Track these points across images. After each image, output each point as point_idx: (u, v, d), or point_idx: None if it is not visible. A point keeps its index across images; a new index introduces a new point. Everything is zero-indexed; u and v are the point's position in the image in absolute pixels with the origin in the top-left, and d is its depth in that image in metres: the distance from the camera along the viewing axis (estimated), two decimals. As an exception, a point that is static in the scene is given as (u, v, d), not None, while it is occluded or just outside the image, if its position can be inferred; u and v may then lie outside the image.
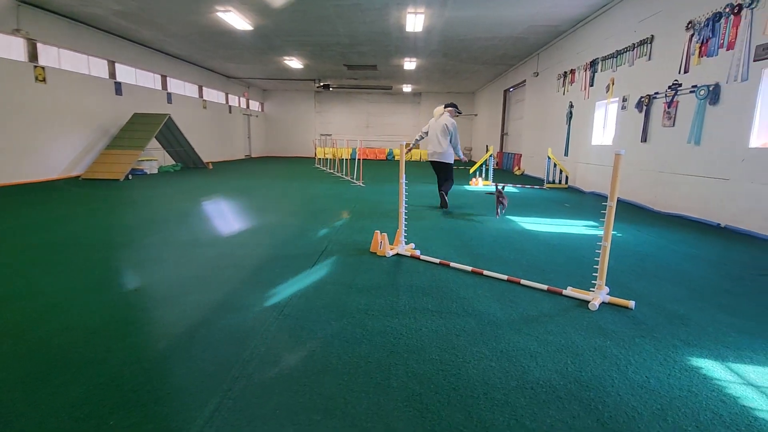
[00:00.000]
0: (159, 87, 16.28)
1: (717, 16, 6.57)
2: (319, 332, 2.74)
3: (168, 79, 17.00)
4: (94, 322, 2.80)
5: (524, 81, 16.82)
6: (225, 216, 6.26)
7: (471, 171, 12.30)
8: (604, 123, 10.58)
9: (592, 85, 10.84)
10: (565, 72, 12.45)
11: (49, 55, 10.74)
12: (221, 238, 4.81)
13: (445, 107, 6.88)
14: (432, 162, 6.94)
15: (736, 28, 6.21)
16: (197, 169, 15.60)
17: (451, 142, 6.77)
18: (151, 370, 2.34)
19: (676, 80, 7.47)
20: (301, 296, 3.25)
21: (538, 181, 13.25)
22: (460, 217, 6.81)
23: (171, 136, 15.13)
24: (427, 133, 7.05)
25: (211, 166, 16.47)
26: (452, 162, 6.76)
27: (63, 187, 9.22)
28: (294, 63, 17.66)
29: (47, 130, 10.74)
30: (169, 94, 16.66)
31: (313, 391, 2.25)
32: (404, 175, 4.38)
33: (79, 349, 2.51)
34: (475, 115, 27.71)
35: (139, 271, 3.58)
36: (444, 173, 6.98)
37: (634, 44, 8.87)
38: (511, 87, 19.05)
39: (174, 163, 16.05)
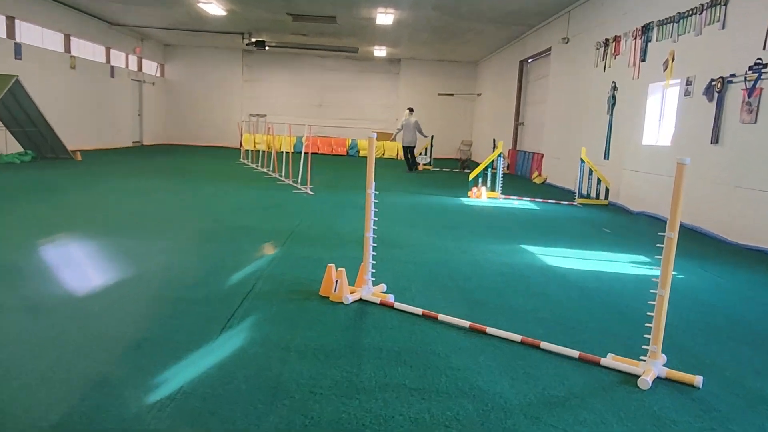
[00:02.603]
0: (2, 34, 15.84)
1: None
2: (239, 424, 2.65)
3: (16, 22, 16.45)
4: None
5: (548, 50, 17.42)
6: (92, 245, 6.11)
7: (471, 176, 12.52)
8: (661, 114, 11.04)
9: (644, 59, 11.26)
10: (607, 40, 12.94)
11: None
12: (83, 290, 4.44)
13: (410, 111, 17.84)
14: (406, 147, 18.32)
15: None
16: (58, 161, 15.23)
17: (419, 131, 17.94)
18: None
19: (759, 59, 7.69)
20: (212, 369, 3.10)
21: (567, 195, 13.65)
22: (452, 242, 6.91)
23: (18, 109, 14.64)
24: (402, 127, 16.77)
25: (79, 157, 16.09)
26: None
27: None
28: (212, 7, 17.49)
29: None
30: (17, 45, 16.10)
31: None
32: (373, 182, 4.39)
33: None
34: (478, 94, 28.43)
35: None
36: (412, 153, 18.54)
37: (702, 5, 9.25)
38: (530, 57, 19.69)
39: (22, 150, 15.57)
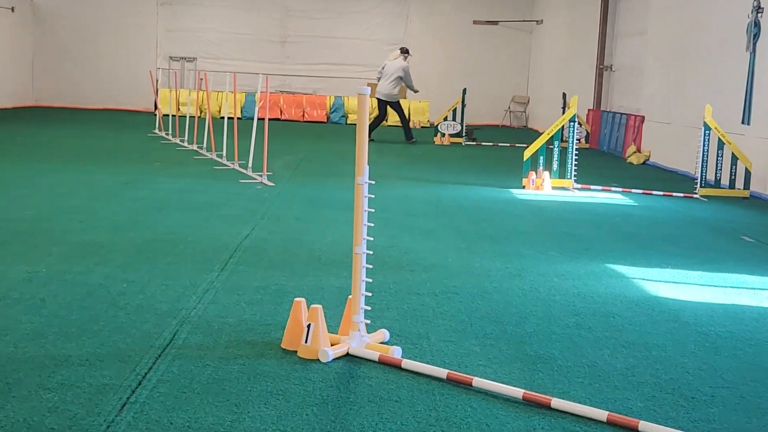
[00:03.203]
0: None
1: None
2: None
3: None
4: None
5: (650, -51, 17.40)
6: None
7: (526, 156, 12.48)
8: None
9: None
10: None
11: None
12: None
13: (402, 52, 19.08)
14: (382, 102, 19.03)
15: None
16: None
17: (405, 82, 19.12)
18: None
19: None
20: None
21: (682, 182, 13.59)
22: (497, 261, 6.90)
23: None
24: (381, 74, 18.88)
25: None
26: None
27: None
28: None
29: None
30: None
31: None
32: (366, 165, 4.34)
33: None
34: (537, 22, 28.40)
35: None
36: (398, 111, 19.47)
37: None
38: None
39: None
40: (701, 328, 5.25)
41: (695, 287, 6.37)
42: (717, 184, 12.15)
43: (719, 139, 11.99)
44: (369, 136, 18.56)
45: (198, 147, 15.35)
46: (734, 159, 11.99)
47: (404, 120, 19.69)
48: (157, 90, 22.52)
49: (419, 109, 27.00)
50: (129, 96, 28.17)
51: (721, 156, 12.12)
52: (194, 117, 16.28)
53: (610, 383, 4.18)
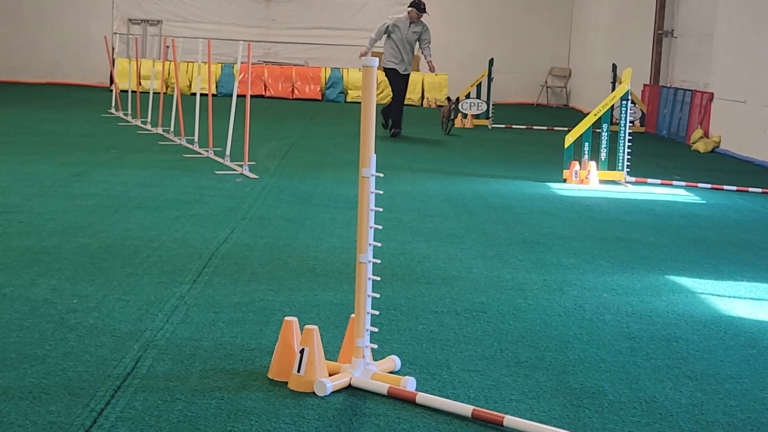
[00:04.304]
0: None
1: None
2: None
3: None
4: None
5: None
6: None
7: (568, 143, 12.47)
8: None
9: None
10: None
11: None
12: None
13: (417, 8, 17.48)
14: (398, 73, 17.62)
15: None
16: None
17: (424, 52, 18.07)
18: None
19: None
20: None
21: (760, 174, 13.52)
22: (532, 272, 6.91)
23: None
24: (387, 32, 17.68)
25: None
26: None
27: None
28: None
29: None
30: None
31: None
32: (373, 154, 4.32)
33: None
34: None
35: None
36: (406, 88, 18.17)
37: None
38: None
39: None
40: (786, 355, 5.24)
41: (777, 305, 6.37)
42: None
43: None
44: (396, 127, 17.49)
45: (164, 130, 15.39)
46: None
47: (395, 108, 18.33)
48: (113, 60, 22.57)
49: (435, 84, 27.00)
50: (78, 67, 28.18)
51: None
52: (159, 94, 16.26)
53: (674, 423, 4.16)
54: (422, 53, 18.12)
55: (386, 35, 17.61)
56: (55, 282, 6.09)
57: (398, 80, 17.64)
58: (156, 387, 4.31)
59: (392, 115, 17.83)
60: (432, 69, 17.95)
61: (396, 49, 17.55)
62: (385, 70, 17.66)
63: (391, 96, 18.13)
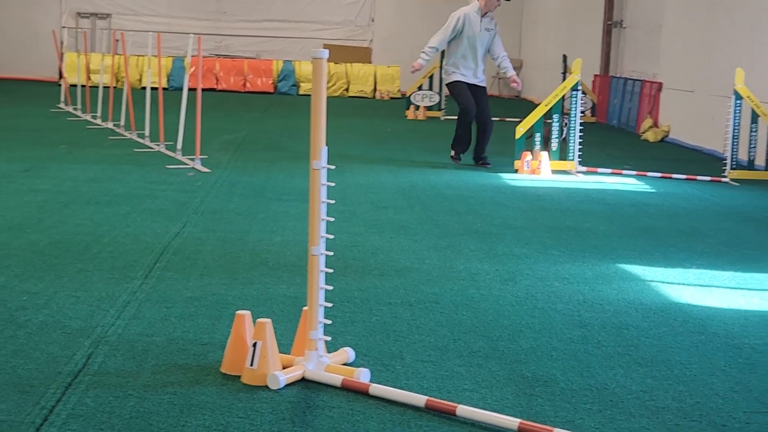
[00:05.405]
0: None
1: None
2: None
3: None
4: None
5: None
6: None
7: (519, 134, 12.46)
8: None
9: None
10: None
11: None
12: None
13: None
14: (474, 86, 13.01)
15: None
16: None
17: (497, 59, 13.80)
18: None
19: None
20: None
21: (709, 163, 13.63)
22: (485, 262, 6.92)
23: None
24: (453, 38, 13.27)
25: None
26: None
27: None
28: None
29: None
30: None
31: None
32: (324, 146, 4.31)
33: None
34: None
35: None
36: (486, 100, 13.26)
37: None
38: None
39: None
40: (733, 340, 5.28)
41: (725, 291, 6.41)
42: (750, 165, 12.26)
43: (753, 110, 12.07)
44: (482, 154, 12.92)
45: (114, 125, 15.26)
46: (770, 133, 12.11)
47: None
48: (61, 54, 22.35)
49: (387, 76, 26.98)
50: (27, 62, 27.90)
51: (755, 131, 12.20)
52: (109, 88, 16.15)
53: (624, 409, 4.19)
54: (498, 65, 13.84)
55: (453, 35, 13.10)
56: (4, 279, 6.05)
57: (478, 94, 12.96)
58: (108, 383, 4.29)
59: (479, 140, 12.97)
60: (517, 85, 14.06)
61: (468, 53, 13.12)
62: (454, 84, 13.01)
63: (466, 115, 12.79)
